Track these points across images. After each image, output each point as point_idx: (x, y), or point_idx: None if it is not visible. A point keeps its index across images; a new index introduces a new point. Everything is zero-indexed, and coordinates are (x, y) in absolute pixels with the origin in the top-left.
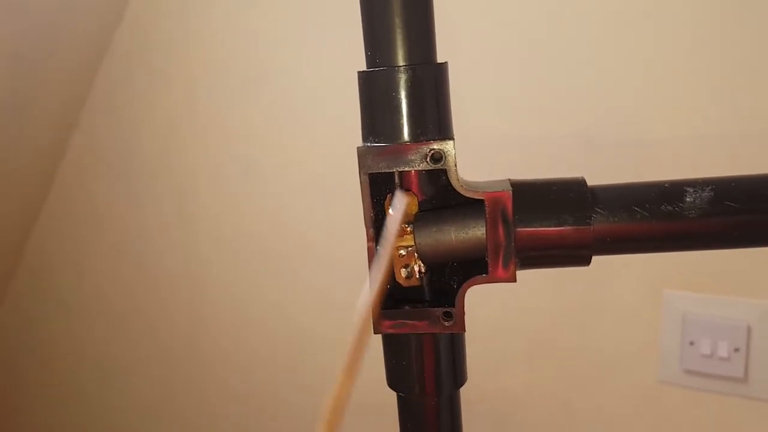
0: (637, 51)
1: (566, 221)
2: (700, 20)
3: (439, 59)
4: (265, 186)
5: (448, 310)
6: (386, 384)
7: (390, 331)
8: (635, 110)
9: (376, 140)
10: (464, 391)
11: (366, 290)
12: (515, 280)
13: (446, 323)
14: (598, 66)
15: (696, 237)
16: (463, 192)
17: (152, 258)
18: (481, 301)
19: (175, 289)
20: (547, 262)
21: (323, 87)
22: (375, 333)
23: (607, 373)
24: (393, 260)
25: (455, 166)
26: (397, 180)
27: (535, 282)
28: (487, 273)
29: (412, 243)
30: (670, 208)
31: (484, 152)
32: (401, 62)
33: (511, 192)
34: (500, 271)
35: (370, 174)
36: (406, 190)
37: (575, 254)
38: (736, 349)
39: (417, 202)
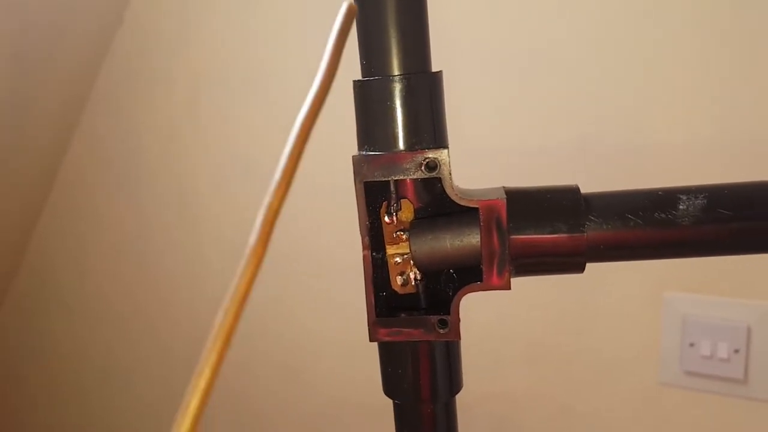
0: (635, 57)
1: (560, 229)
2: (699, 25)
3: (435, 68)
4: (265, 186)
5: (443, 317)
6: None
7: (386, 339)
8: (633, 117)
9: (372, 149)
10: (463, 395)
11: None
12: (510, 288)
13: (441, 331)
14: (595, 73)
15: (689, 244)
16: (457, 200)
17: (153, 258)
18: (480, 304)
19: (176, 289)
20: (542, 270)
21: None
22: (371, 341)
23: (607, 375)
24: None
25: (450, 174)
26: (392, 188)
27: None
28: (482, 280)
29: (408, 250)
30: (663, 215)
31: (480, 160)
32: (396, 72)
33: (505, 200)
34: (495, 279)
35: (365, 182)
36: (402, 197)
37: (569, 261)
38: (736, 351)
39: (413, 209)
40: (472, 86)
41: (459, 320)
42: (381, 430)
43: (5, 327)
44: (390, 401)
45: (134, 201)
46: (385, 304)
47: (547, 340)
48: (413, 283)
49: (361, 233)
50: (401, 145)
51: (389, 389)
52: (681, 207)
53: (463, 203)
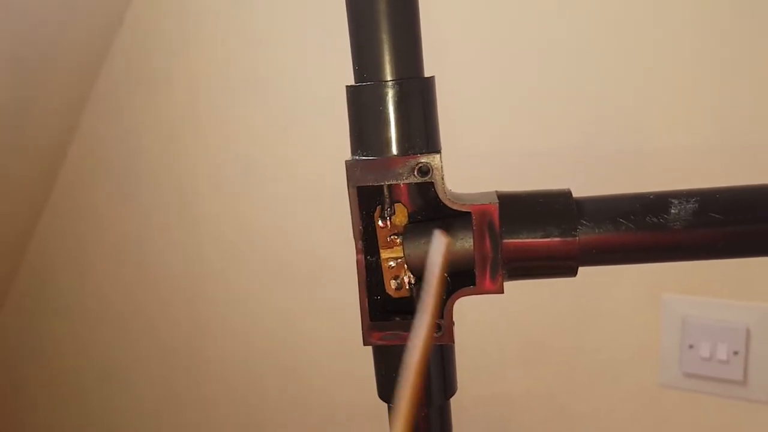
0: (633, 61)
1: (552, 233)
2: (699, 25)
3: (433, 71)
4: (266, 187)
5: (437, 321)
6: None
7: (379, 342)
8: (630, 121)
9: (365, 153)
10: (461, 396)
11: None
12: (503, 292)
13: (435, 334)
14: (595, 74)
15: (681, 248)
16: (449, 204)
17: (153, 259)
18: (479, 306)
19: (176, 291)
20: (534, 274)
21: (325, 88)
22: (364, 345)
23: (607, 377)
24: (436, 312)
25: (442, 179)
26: (386, 192)
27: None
28: (475, 284)
29: (402, 254)
30: (655, 219)
31: (479, 162)
32: (388, 77)
33: (497, 204)
34: (488, 283)
35: (358, 187)
36: (396, 201)
37: (562, 265)
38: (735, 352)
39: (407, 214)
40: (471, 88)
41: (452, 324)
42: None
43: (5, 327)
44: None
45: (134, 202)
46: (380, 308)
47: (546, 341)
48: (407, 287)
49: (354, 238)
50: (394, 149)
51: (384, 393)
52: (672, 211)
53: (455, 208)
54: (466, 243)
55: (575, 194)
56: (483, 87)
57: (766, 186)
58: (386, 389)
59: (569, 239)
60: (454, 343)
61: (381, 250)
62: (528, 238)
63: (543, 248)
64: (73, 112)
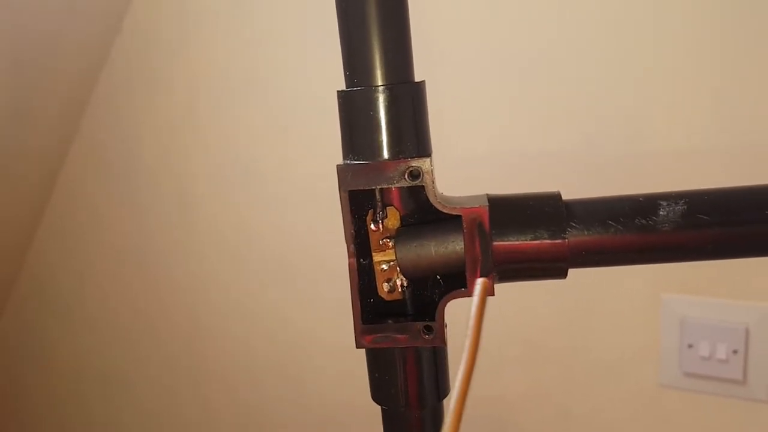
0: (632, 62)
1: (542, 235)
2: (699, 27)
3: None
4: (266, 189)
5: (428, 324)
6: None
7: (371, 345)
8: (629, 122)
9: (356, 158)
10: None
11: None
12: (493, 294)
13: (427, 337)
14: (590, 77)
15: (670, 250)
16: (440, 208)
17: (153, 261)
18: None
19: (176, 292)
20: (525, 276)
21: (324, 89)
22: (357, 347)
23: (607, 377)
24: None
25: (433, 182)
26: (378, 196)
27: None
28: (466, 287)
29: (394, 257)
30: (643, 221)
31: (475, 166)
32: (379, 82)
33: (487, 207)
34: None
35: (350, 191)
36: (388, 205)
37: (551, 267)
38: (735, 352)
39: (399, 216)
40: (470, 90)
41: (444, 326)
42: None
43: (6, 330)
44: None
45: (134, 203)
46: (373, 311)
47: (545, 341)
48: (400, 290)
49: (346, 241)
50: (385, 154)
51: (377, 395)
52: (661, 213)
53: (446, 211)
54: (457, 246)
55: (575, 196)
56: (482, 89)
57: (754, 187)
58: (379, 391)
59: (558, 241)
60: (446, 345)
61: (373, 253)
62: (518, 240)
63: (533, 250)
64: (73, 115)
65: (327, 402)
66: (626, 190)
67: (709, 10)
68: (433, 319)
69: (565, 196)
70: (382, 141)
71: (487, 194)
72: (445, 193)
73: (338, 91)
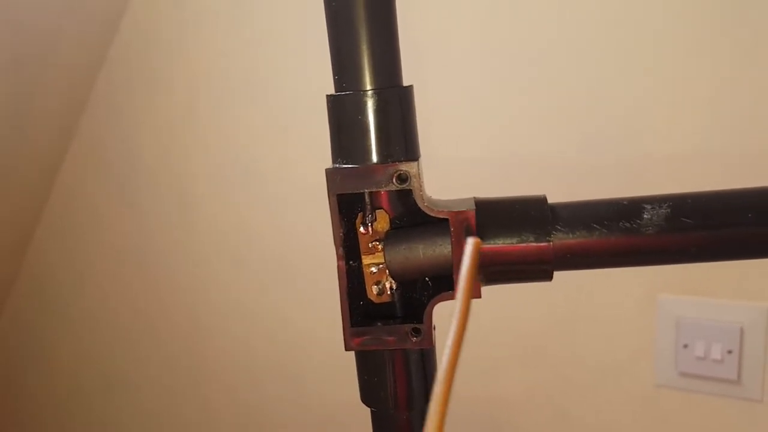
0: (631, 63)
1: (527, 239)
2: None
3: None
4: (266, 189)
5: (416, 326)
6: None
7: (360, 347)
8: (627, 123)
9: (345, 161)
10: (458, 399)
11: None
12: (480, 296)
13: (414, 339)
14: (588, 79)
15: (654, 253)
16: (427, 211)
17: (153, 261)
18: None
19: (176, 292)
20: (511, 278)
21: (324, 89)
22: (346, 350)
23: (603, 378)
24: (466, 321)
25: (420, 186)
26: (367, 199)
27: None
28: (453, 289)
29: (383, 260)
30: (628, 224)
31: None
32: (367, 86)
33: (474, 210)
34: None
35: (339, 194)
36: (377, 208)
37: (537, 269)
38: (730, 352)
39: (388, 220)
40: (461, 93)
41: (433, 328)
42: None
43: (5, 331)
44: None
45: (134, 205)
46: (362, 313)
47: (542, 343)
48: (389, 293)
49: (335, 244)
50: (374, 158)
51: (366, 397)
52: (645, 216)
53: (433, 215)
54: (444, 249)
55: (574, 198)
56: (477, 91)
57: (737, 191)
58: (368, 394)
59: (543, 244)
60: (434, 347)
61: (363, 256)
62: (504, 243)
63: (518, 253)
64: (72, 114)
65: (327, 402)
66: (625, 191)
67: (709, 10)
68: (422, 321)
69: (562, 199)
70: (370, 145)
71: (474, 197)
72: (433, 197)
73: (327, 95)
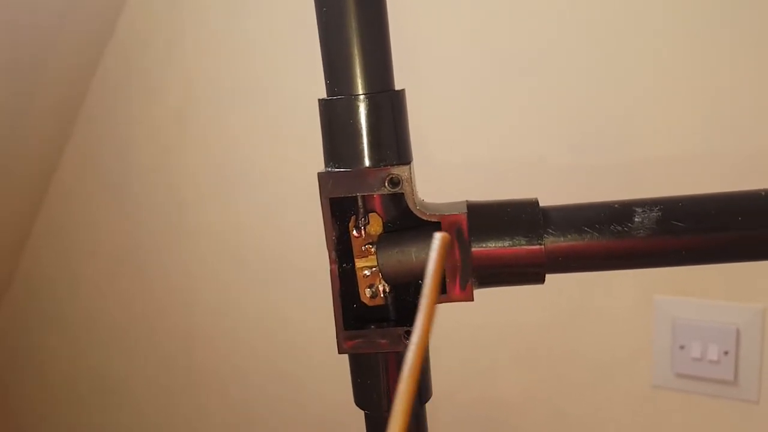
0: (617, 67)
1: (519, 242)
2: (694, 32)
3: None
4: (262, 192)
5: (408, 329)
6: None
7: (353, 350)
8: (626, 124)
9: (337, 165)
10: (456, 399)
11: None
12: (473, 299)
13: (407, 342)
14: (582, 82)
15: (645, 256)
16: (419, 215)
17: (149, 263)
18: (473, 308)
19: (172, 294)
20: (504, 281)
21: (321, 91)
22: (339, 353)
23: (601, 378)
24: (433, 317)
25: (412, 190)
26: (360, 203)
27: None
28: (445, 292)
29: (376, 263)
30: (619, 228)
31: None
32: (359, 91)
33: (466, 214)
34: (457, 291)
35: (331, 198)
36: (371, 211)
37: (529, 272)
38: (726, 352)
39: (382, 223)
40: (457, 97)
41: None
42: None
43: (0, 333)
44: None
45: (129, 206)
46: (356, 316)
47: (539, 344)
48: (382, 296)
49: (327, 248)
50: (366, 161)
51: (359, 400)
52: (636, 219)
53: (425, 218)
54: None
55: (572, 201)
56: (474, 93)
57: (728, 194)
58: (361, 397)
59: (535, 247)
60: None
61: (356, 259)
62: (496, 246)
63: (510, 256)
64: (68, 116)
65: (326, 402)
66: (624, 193)
67: (709, 11)
68: (412, 324)
69: (560, 202)
70: (362, 149)
71: (466, 201)
72: (426, 200)
73: (319, 100)
